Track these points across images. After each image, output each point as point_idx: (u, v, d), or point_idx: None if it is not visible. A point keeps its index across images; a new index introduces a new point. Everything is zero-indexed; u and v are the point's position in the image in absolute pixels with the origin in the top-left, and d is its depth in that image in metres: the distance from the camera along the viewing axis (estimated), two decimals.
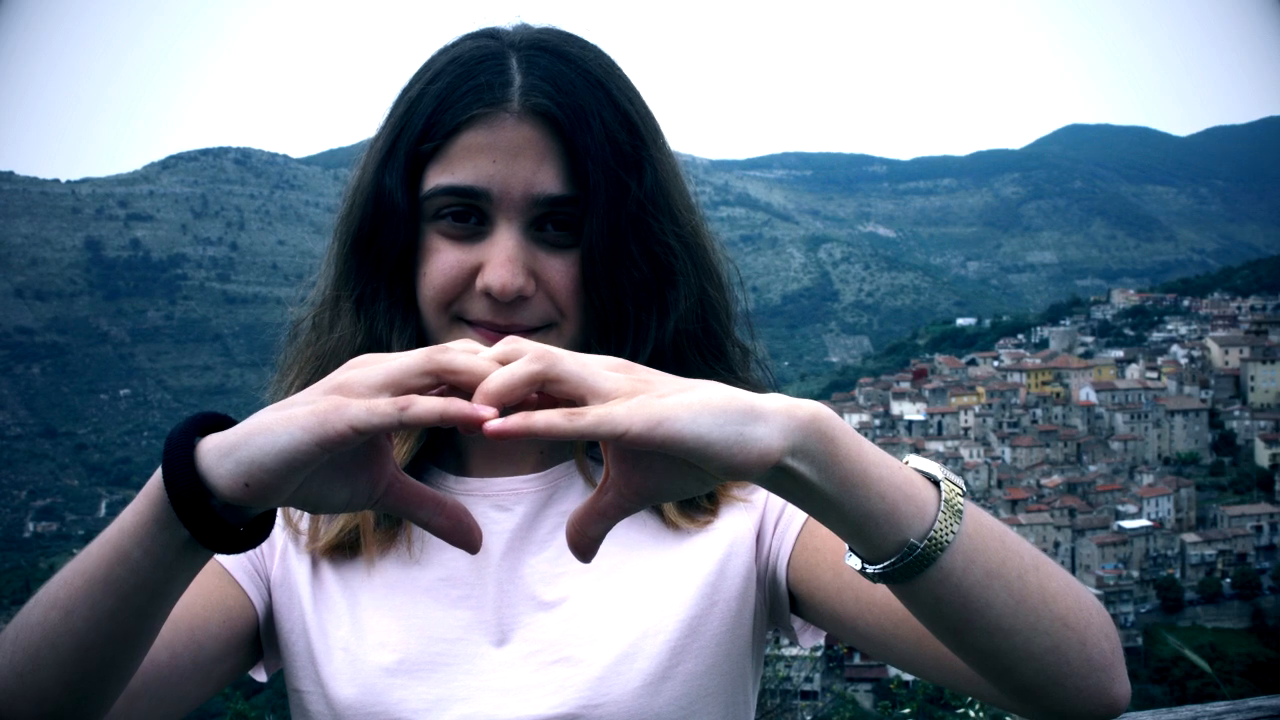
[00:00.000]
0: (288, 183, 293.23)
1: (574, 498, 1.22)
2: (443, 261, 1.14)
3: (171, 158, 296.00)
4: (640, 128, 1.16)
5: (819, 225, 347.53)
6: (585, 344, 1.18)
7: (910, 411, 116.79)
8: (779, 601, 1.20)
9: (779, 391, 1.21)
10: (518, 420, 0.76)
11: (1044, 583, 0.90)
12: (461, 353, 0.81)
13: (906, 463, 0.89)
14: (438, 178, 1.13)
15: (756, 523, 1.21)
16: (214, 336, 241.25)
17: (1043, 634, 0.89)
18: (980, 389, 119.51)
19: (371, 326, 1.21)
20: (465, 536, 0.87)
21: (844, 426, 0.82)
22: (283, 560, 1.23)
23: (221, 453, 0.79)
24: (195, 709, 1.14)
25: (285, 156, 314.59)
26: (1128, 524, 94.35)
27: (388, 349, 1.17)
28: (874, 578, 0.86)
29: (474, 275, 1.15)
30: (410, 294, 1.20)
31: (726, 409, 0.78)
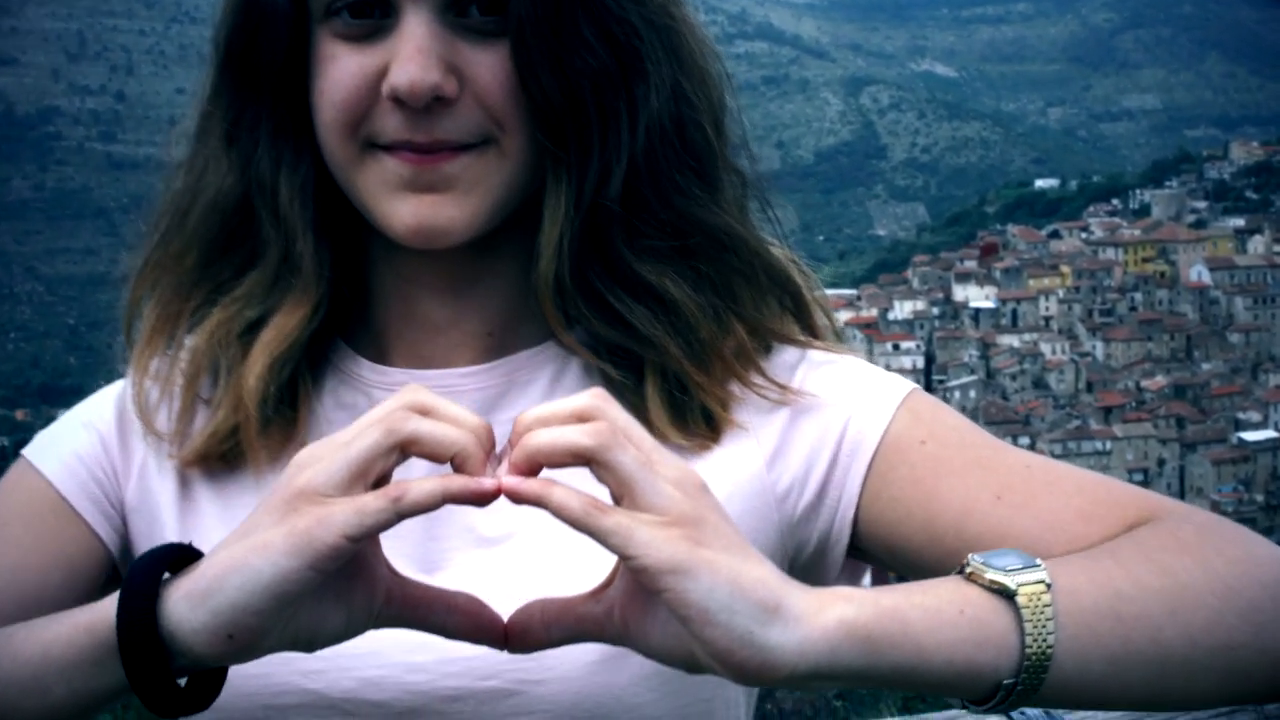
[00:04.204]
0: (187, 15, 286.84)
1: (533, 399, 1.14)
2: (340, 70, 1.09)
3: None
4: None
5: (861, 63, 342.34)
6: (537, 163, 1.12)
7: (977, 297, 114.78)
8: (826, 563, 1.17)
9: (814, 272, 1.24)
10: (535, 485, 0.82)
11: (1189, 623, 0.90)
12: (425, 420, 0.83)
13: (970, 575, 0.88)
14: None
15: (767, 460, 1.16)
16: (96, 211, 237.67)
17: (1203, 673, 0.90)
18: (1065, 269, 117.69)
19: (251, 167, 1.16)
20: (487, 633, 0.90)
21: (880, 609, 0.83)
22: (140, 478, 1.18)
23: (193, 603, 0.80)
24: None
25: None
26: (1250, 436, 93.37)
27: (274, 195, 1.14)
28: (981, 714, 0.89)
29: (380, 81, 1.09)
30: (301, 124, 1.15)
31: (750, 594, 0.78)
